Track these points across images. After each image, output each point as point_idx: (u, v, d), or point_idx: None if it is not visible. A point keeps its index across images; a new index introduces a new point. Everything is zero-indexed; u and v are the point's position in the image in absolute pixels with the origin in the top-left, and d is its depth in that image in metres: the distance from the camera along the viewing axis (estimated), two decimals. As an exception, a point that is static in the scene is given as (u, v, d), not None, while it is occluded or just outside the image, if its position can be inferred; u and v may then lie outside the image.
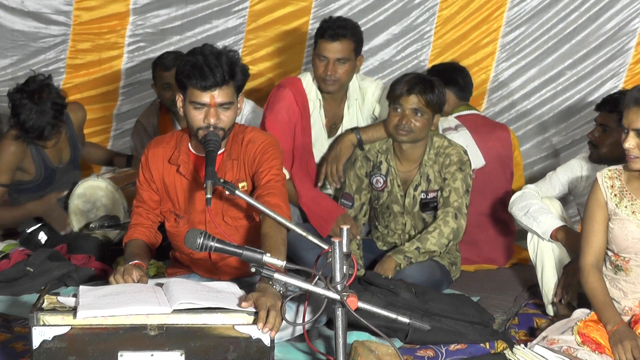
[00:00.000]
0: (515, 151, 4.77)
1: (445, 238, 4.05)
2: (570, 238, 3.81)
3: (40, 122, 4.31)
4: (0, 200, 4.49)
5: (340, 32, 4.27)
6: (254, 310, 2.82)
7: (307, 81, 4.45)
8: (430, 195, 4.15)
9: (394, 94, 4.08)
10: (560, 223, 3.87)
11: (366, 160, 4.23)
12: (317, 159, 4.56)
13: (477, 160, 4.51)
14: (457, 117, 4.69)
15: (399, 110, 4.05)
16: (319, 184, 4.45)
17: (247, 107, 4.81)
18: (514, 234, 4.73)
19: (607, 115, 4.08)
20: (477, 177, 4.53)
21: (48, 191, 4.61)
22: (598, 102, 4.20)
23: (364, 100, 4.49)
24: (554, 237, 3.86)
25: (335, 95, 4.45)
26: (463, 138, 4.52)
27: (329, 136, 4.54)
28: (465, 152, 4.18)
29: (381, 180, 4.18)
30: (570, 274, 3.82)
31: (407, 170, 4.19)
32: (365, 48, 5.45)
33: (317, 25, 5.51)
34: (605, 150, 4.02)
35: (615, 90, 4.80)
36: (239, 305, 2.85)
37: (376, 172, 4.20)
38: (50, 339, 2.69)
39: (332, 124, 4.53)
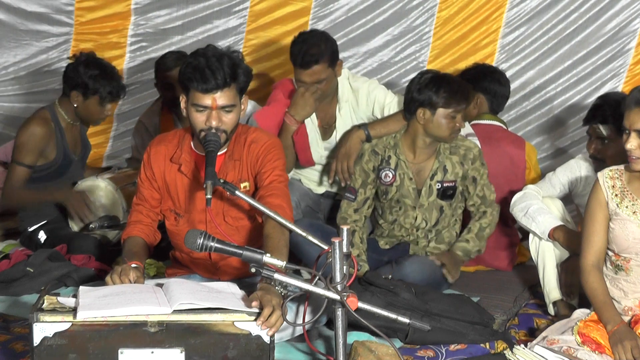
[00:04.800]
0: (529, 169, 4.69)
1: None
2: (568, 238, 3.82)
3: (115, 82, 4.54)
4: (22, 182, 4.50)
5: (312, 59, 4.26)
6: (255, 310, 2.82)
7: None
8: (446, 184, 4.19)
9: (451, 105, 4.08)
10: (558, 223, 3.87)
11: (374, 154, 4.25)
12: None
13: None
14: (474, 125, 4.65)
15: (453, 116, 4.09)
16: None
17: (249, 108, 4.81)
18: (517, 245, 4.72)
19: (600, 127, 4.07)
20: None
21: (59, 182, 4.61)
22: (585, 115, 4.16)
23: (357, 102, 4.48)
24: (551, 236, 3.87)
25: (323, 99, 4.45)
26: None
27: (323, 137, 4.55)
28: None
29: (390, 175, 4.20)
30: (570, 272, 3.83)
31: (421, 161, 4.22)
32: (364, 49, 5.47)
33: (317, 25, 5.54)
34: (611, 162, 3.90)
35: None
36: (247, 305, 2.84)
37: (385, 166, 4.22)
38: (51, 336, 2.69)
39: (325, 125, 4.54)
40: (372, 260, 4.24)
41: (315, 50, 4.25)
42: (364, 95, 4.46)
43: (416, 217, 4.23)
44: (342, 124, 4.48)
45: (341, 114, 4.47)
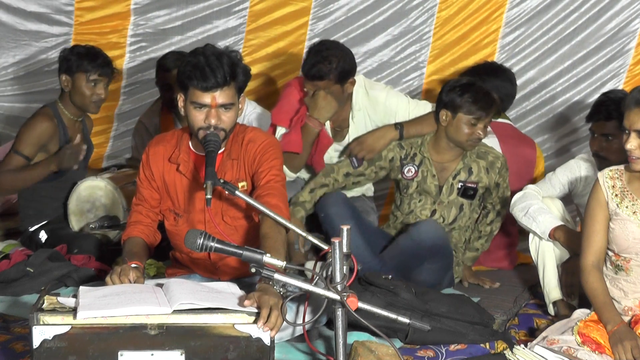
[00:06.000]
0: (537, 169, 4.75)
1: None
2: (569, 237, 3.83)
3: (100, 56, 4.57)
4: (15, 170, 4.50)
5: (316, 75, 4.26)
6: (255, 310, 2.82)
7: None
8: (468, 184, 4.27)
9: (472, 112, 4.14)
10: (558, 222, 3.88)
11: (399, 147, 4.31)
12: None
13: None
14: None
15: (473, 124, 4.15)
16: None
17: (249, 108, 4.82)
18: (516, 245, 4.75)
19: (604, 124, 4.07)
20: None
21: (60, 182, 4.61)
22: (589, 112, 4.18)
23: (375, 110, 4.47)
24: (552, 236, 3.87)
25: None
26: (491, 145, 4.55)
27: (334, 138, 4.54)
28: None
29: (412, 170, 4.26)
30: (570, 273, 3.84)
31: (446, 161, 4.28)
32: (363, 49, 5.47)
33: (317, 25, 5.53)
34: (615, 158, 3.95)
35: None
36: (240, 304, 2.85)
37: (409, 162, 4.28)
38: (50, 338, 2.68)
39: (337, 127, 4.53)
40: (382, 247, 4.28)
41: (323, 67, 4.24)
42: (381, 104, 4.46)
43: (434, 212, 4.27)
44: (355, 131, 4.48)
45: (354, 121, 4.47)
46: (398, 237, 4.25)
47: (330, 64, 4.25)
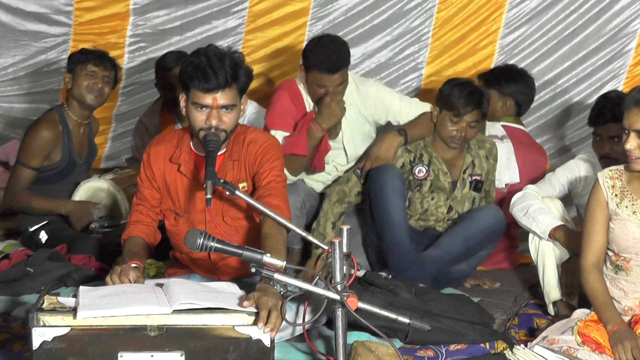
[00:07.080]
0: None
1: None
2: (569, 237, 3.83)
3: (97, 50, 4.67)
4: (27, 184, 4.52)
5: (340, 64, 4.29)
6: (255, 310, 2.82)
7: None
8: (474, 177, 4.34)
9: (454, 108, 4.19)
10: (558, 222, 3.88)
11: (407, 152, 4.34)
12: None
13: (513, 176, 4.66)
14: (502, 127, 4.72)
15: (456, 121, 4.20)
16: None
17: (250, 108, 4.82)
18: (516, 247, 4.76)
19: (611, 126, 4.07)
20: (506, 192, 4.62)
21: (62, 185, 4.62)
22: (592, 116, 4.17)
23: (365, 105, 4.49)
24: (552, 236, 3.87)
25: None
26: (506, 150, 4.58)
27: (329, 136, 4.54)
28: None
29: (423, 170, 4.29)
30: (570, 273, 3.84)
31: (452, 157, 4.33)
32: (362, 50, 5.48)
33: (315, 26, 5.52)
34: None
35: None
36: (240, 304, 2.85)
37: (418, 162, 4.31)
38: (50, 340, 2.68)
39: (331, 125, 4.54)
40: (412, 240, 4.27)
41: (342, 55, 4.29)
42: (372, 98, 4.49)
43: (450, 208, 4.32)
44: (348, 126, 4.49)
45: (346, 117, 4.47)
46: (455, 226, 4.25)
47: (342, 52, 4.33)
